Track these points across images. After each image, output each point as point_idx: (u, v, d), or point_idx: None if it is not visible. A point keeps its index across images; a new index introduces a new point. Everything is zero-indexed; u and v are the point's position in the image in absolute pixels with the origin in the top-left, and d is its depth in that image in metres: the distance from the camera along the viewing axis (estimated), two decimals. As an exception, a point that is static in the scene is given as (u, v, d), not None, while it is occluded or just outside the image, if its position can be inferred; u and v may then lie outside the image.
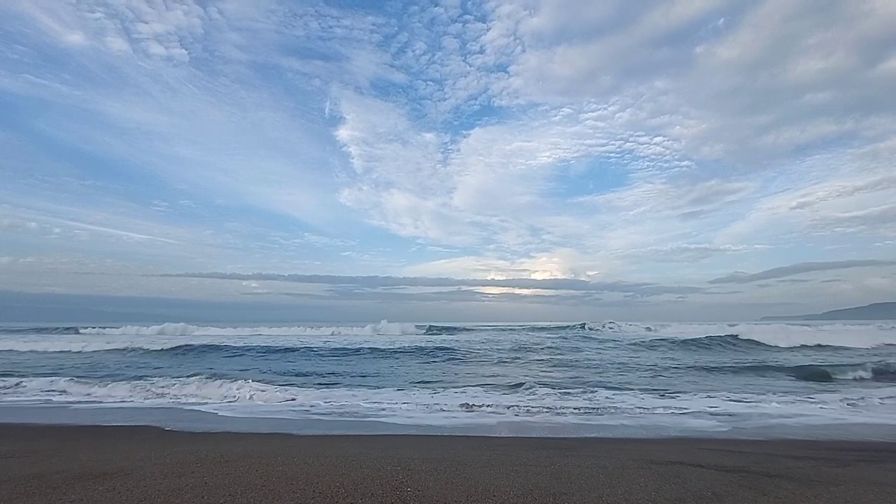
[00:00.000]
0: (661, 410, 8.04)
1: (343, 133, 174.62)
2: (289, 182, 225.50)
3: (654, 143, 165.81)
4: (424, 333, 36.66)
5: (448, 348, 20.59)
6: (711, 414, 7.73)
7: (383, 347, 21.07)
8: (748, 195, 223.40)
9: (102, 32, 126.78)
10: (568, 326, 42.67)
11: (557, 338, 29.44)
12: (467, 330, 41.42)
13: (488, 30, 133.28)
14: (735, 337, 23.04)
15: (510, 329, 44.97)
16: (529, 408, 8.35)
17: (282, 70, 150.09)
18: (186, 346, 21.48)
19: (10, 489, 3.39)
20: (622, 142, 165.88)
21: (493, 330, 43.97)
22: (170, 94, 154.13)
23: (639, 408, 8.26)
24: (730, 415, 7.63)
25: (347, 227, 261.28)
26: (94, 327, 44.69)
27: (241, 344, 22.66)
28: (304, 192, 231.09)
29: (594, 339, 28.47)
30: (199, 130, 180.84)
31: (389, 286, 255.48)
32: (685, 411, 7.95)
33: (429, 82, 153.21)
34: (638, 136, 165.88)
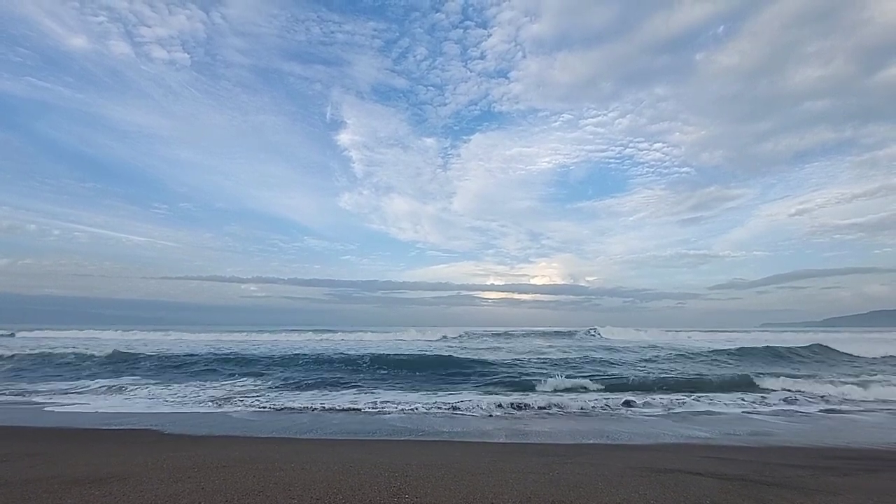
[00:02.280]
0: (661, 417, 8.02)
1: (344, 137, 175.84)
2: (289, 186, 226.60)
3: (654, 150, 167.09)
4: (442, 340, 35.68)
5: (450, 352, 20.54)
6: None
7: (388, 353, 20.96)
8: (747, 202, 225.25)
9: (105, 36, 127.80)
10: (582, 331, 42.15)
11: (565, 344, 29.13)
12: (476, 336, 40.87)
13: (489, 36, 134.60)
14: (821, 346, 21.41)
15: (524, 334, 43.98)
16: (528, 413, 8.33)
17: (283, 74, 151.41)
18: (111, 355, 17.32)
19: (7, 494, 3.38)
20: (622, 148, 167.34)
21: (505, 334, 43.30)
22: (171, 98, 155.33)
23: (639, 413, 8.24)
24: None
25: (347, 231, 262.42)
26: (40, 330, 41.86)
27: (199, 351, 19.44)
28: (304, 195, 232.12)
29: (606, 346, 26.94)
30: (201, 134, 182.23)
31: (389, 290, 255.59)
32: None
33: (429, 87, 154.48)
34: (638, 142, 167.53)
